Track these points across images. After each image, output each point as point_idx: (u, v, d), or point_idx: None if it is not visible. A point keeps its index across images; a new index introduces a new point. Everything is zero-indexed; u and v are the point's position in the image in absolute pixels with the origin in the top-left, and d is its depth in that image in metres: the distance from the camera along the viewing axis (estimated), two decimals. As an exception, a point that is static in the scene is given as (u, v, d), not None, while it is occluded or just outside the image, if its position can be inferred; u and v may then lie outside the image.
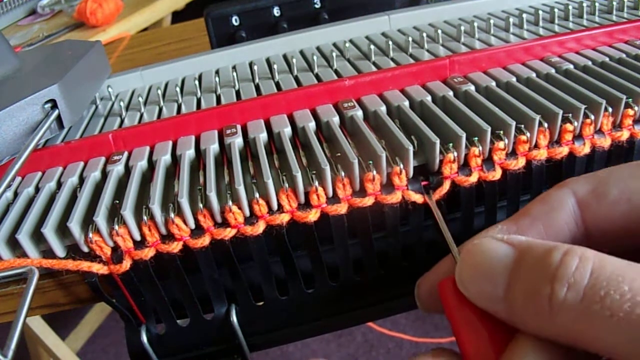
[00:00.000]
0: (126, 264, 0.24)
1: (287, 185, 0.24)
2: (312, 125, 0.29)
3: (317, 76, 0.35)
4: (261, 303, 0.27)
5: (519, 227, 0.21)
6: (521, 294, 0.17)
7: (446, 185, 0.25)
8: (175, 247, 0.24)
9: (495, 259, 0.18)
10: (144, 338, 0.27)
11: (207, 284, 0.26)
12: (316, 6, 0.47)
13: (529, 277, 0.17)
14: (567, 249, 0.17)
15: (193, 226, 0.24)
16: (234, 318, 0.27)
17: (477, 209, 0.27)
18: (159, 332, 0.27)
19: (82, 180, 0.28)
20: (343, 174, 0.24)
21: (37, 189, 0.28)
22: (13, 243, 0.25)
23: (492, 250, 0.19)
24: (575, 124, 0.26)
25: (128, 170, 0.28)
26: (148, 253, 0.24)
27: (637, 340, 0.14)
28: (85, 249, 0.24)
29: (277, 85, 0.35)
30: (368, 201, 0.24)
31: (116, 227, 0.24)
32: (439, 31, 0.38)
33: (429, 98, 0.29)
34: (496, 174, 0.25)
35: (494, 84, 0.30)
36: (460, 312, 0.20)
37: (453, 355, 0.20)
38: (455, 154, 0.25)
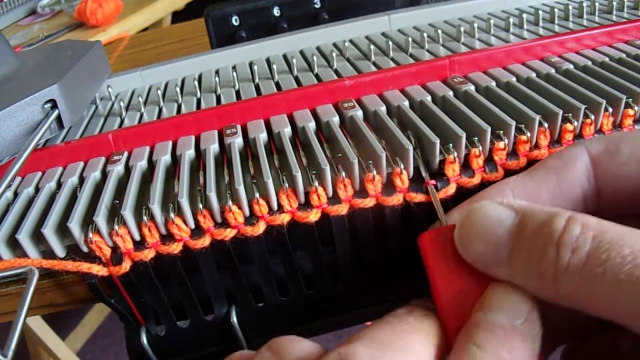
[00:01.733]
0: (126, 266, 0.24)
1: (287, 185, 0.24)
2: (312, 125, 0.29)
3: (317, 76, 0.35)
4: (261, 304, 0.27)
5: (534, 178, 0.21)
6: (525, 258, 0.18)
7: (452, 188, 0.25)
8: (175, 248, 0.24)
9: (497, 223, 0.19)
10: (144, 339, 0.27)
11: (208, 284, 0.26)
12: (316, 6, 0.47)
13: (533, 242, 0.17)
14: (569, 216, 0.17)
15: (193, 226, 0.24)
16: (234, 319, 0.27)
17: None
18: (159, 333, 0.27)
19: (82, 180, 0.28)
20: (344, 174, 0.24)
21: (37, 189, 0.28)
22: (13, 243, 0.25)
23: (493, 214, 0.19)
24: (575, 123, 0.26)
25: (128, 170, 0.28)
26: (148, 254, 0.24)
27: (637, 300, 0.15)
28: (85, 249, 0.24)
29: (277, 85, 0.35)
30: (369, 202, 0.24)
31: (116, 227, 0.24)
32: (439, 31, 0.38)
33: (429, 98, 0.29)
34: (498, 175, 0.25)
35: (494, 84, 0.30)
36: (439, 265, 0.20)
37: (426, 309, 0.20)
38: (456, 154, 0.25)
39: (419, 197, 0.25)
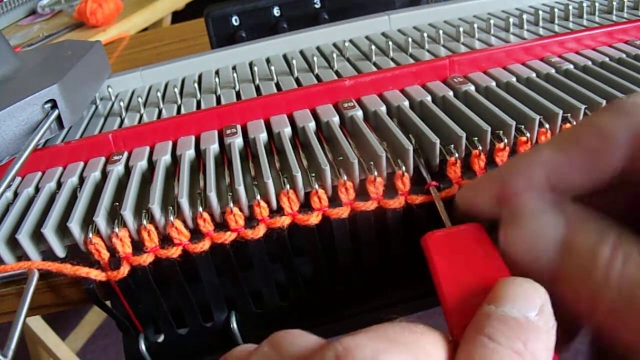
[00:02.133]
0: (124, 270, 0.24)
1: (288, 187, 0.24)
2: (312, 125, 0.29)
3: (317, 76, 0.35)
4: (261, 310, 0.27)
5: (568, 159, 0.19)
6: (570, 275, 0.18)
7: (454, 189, 0.25)
8: (174, 252, 0.24)
9: (546, 229, 0.19)
10: (142, 346, 0.26)
11: (207, 290, 0.26)
12: (316, 6, 0.47)
13: (580, 263, 0.18)
14: (613, 244, 0.17)
15: (191, 226, 0.24)
16: (234, 325, 0.27)
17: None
18: (158, 340, 0.27)
19: (82, 180, 0.28)
20: (345, 177, 0.24)
21: (37, 189, 0.28)
22: (13, 243, 0.25)
23: (543, 218, 0.19)
24: (575, 123, 0.26)
25: (128, 170, 0.28)
26: (147, 259, 0.24)
27: None
28: (85, 250, 0.24)
29: (277, 85, 0.35)
30: (371, 205, 0.24)
31: (116, 229, 0.24)
32: (439, 31, 0.38)
33: (429, 98, 0.29)
34: None
35: (494, 84, 0.30)
36: (444, 265, 0.20)
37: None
38: (457, 155, 0.25)
39: (420, 199, 0.25)
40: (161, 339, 0.27)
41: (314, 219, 0.24)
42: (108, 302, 0.26)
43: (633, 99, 0.19)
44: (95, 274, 0.24)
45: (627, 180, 0.20)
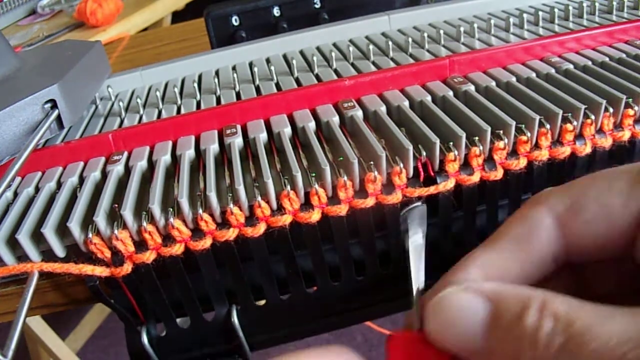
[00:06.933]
0: (127, 267, 0.24)
1: (289, 188, 0.24)
2: (312, 125, 0.29)
3: (317, 76, 0.35)
4: (262, 303, 0.27)
5: (500, 251, 0.21)
6: (501, 352, 0.18)
7: (451, 182, 0.25)
8: (177, 250, 0.24)
9: (469, 315, 0.18)
10: (145, 339, 0.27)
11: (208, 285, 0.26)
12: (316, 6, 0.47)
13: (507, 338, 0.18)
14: (540, 306, 0.17)
15: (192, 226, 0.24)
16: (235, 319, 0.27)
17: (479, 208, 0.27)
18: (159, 333, 0.27)
19: (82, 180, 0.28)
20: (345, 178, 0.24)
21: (37, 189, 0.28)
22: (13, 243, 0.25)
23: (464, 305, 0.19)
24: (575, 123, 0.26)
25: (128, 170, 0.28)
26: (149, 256, 0.24)
27: None
28: (85, 250, 0.24)
29: (277, 85, 0.35)
30: (369, 202, 0.24)
31: (116, 231, 0.24)
32: (439, 31, 0.38)
33: (429, 98, 0.29)
34: (498, 174, 0.25)
35: (494, 84, 0.30)
36: None
37: None
38: (456, 152, 0.25)
39: (417, 192, 0.25)
40: (163, 333, 0.27)
41: (314, 216, 0.24)
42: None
43: (549, 189, 0.21)
44: (100, 271, 0.24)
45: (572, 261, 0.21)
